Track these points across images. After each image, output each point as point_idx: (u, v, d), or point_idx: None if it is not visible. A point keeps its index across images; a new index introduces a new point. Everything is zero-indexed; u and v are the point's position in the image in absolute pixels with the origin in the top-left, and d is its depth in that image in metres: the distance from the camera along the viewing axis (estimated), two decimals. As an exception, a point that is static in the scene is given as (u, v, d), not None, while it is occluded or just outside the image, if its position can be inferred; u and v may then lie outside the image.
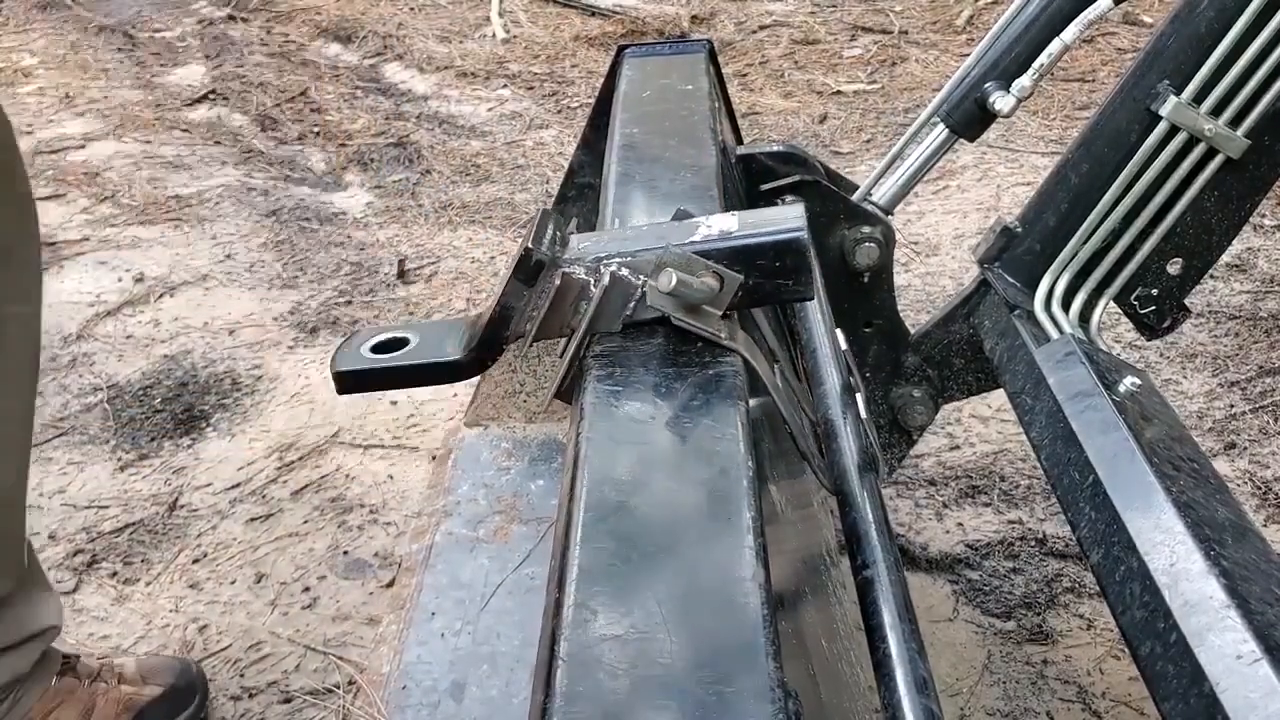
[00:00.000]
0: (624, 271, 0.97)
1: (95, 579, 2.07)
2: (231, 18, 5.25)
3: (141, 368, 2.71)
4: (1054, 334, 1.50)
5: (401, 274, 3.11)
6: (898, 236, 2.02)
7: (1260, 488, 2.19)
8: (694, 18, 4.99)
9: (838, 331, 1.37)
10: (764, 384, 1.02)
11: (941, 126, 1.66)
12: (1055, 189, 1.59)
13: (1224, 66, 1.45)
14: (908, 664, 0.89)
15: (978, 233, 3.16)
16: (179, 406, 2.56)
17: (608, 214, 1.22)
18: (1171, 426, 1.29)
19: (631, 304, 0.97)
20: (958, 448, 2.35)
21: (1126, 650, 1.15)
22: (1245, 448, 2.31)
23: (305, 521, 2.20)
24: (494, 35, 4.96)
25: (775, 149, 1.69)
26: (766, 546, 0.72)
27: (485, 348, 1.09)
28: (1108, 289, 1.58)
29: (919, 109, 3.93)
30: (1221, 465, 2.24)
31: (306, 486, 2.30)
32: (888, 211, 1.72)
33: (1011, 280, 1.61)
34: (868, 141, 3.87)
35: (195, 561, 2.11)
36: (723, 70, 1.84)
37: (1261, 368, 2.55)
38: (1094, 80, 4.15)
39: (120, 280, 3.10)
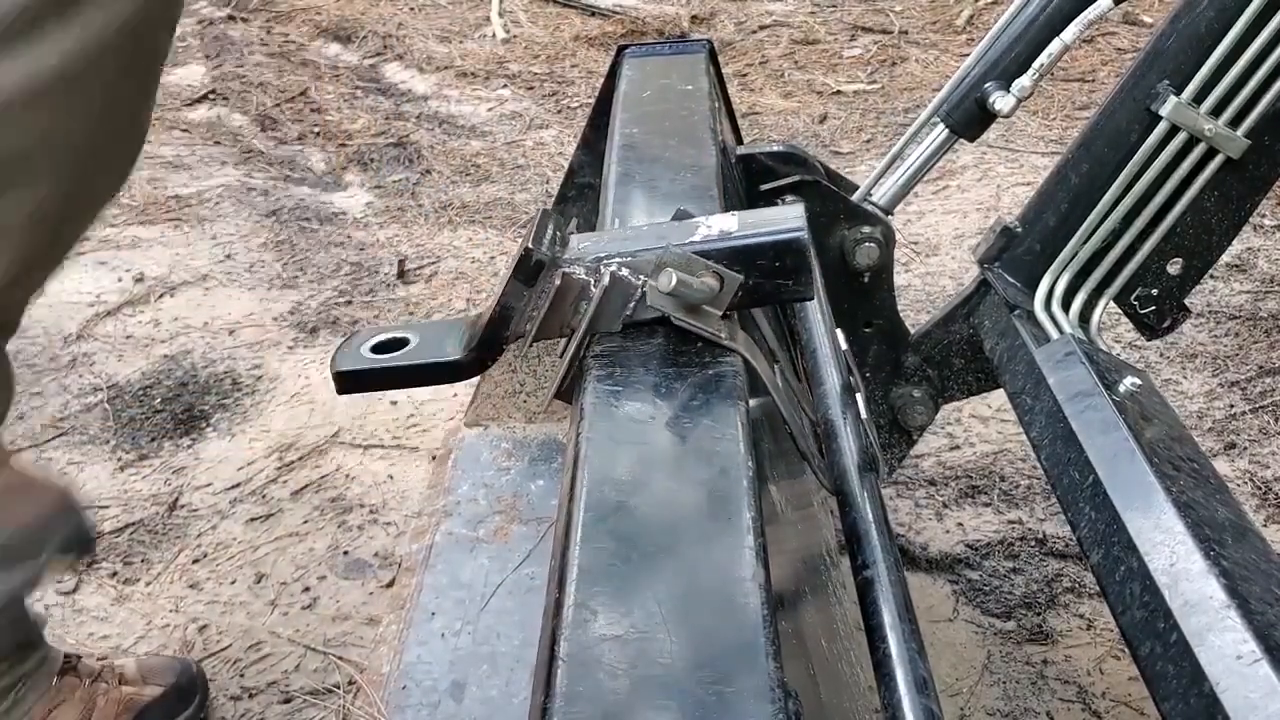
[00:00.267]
0: (624, 271, 0.97)
1: (95, 579, 2.07)
2: (231, 18, 5.25)
3: (141, 368, 2.71)
4: (1054, 334, 1.50)
5: (401, 274, 3.11)
6: (898, 236, 2.02)
7: (1260, 488, 2.19)
8: (694, 18, 4.99)
9: (838, 331, 1.37)
10: (764, 384, 1.02)
11: (941, 126, 1.66)
12: (1055, 189, 1.59)
13: (1224, 66, 1.45)
14: (908, 664, 0.89)
15: (978, 232, 3.16)
16: (179, 406, 2.56)
17: (608, 214, 1.22)
18: (1171, 426, 1.29)
19: (631, 304, 0.97)
20: (958, 448, 2.34)
21: (1126, 650, 1.15)
22: (1245, 448, 2.31)
23: (305, 521, 2.20)
24: (494, 35, 4.96)
25: (775, 149, 1.69)
26: (766, 547, 0.72)
27: (485, 348, 1.09)
28: (1108, 289, 1.58)
29: (919, 109, 3.93)
30: (1221, 465, 2.24)
31: (306, 486, 2.30)
32: (888, 211, 1.72)
33: (1011, 280, 1.61)
34: (868, 141, 3.87)
35: (195, 561, 2.11)
36: (723, 70, 1.84)
37: (1261, 368, 2.55)
38: (1094, 80, 4.15)
39: (120, 280, 3.10)
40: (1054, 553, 2.05)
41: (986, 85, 1.59)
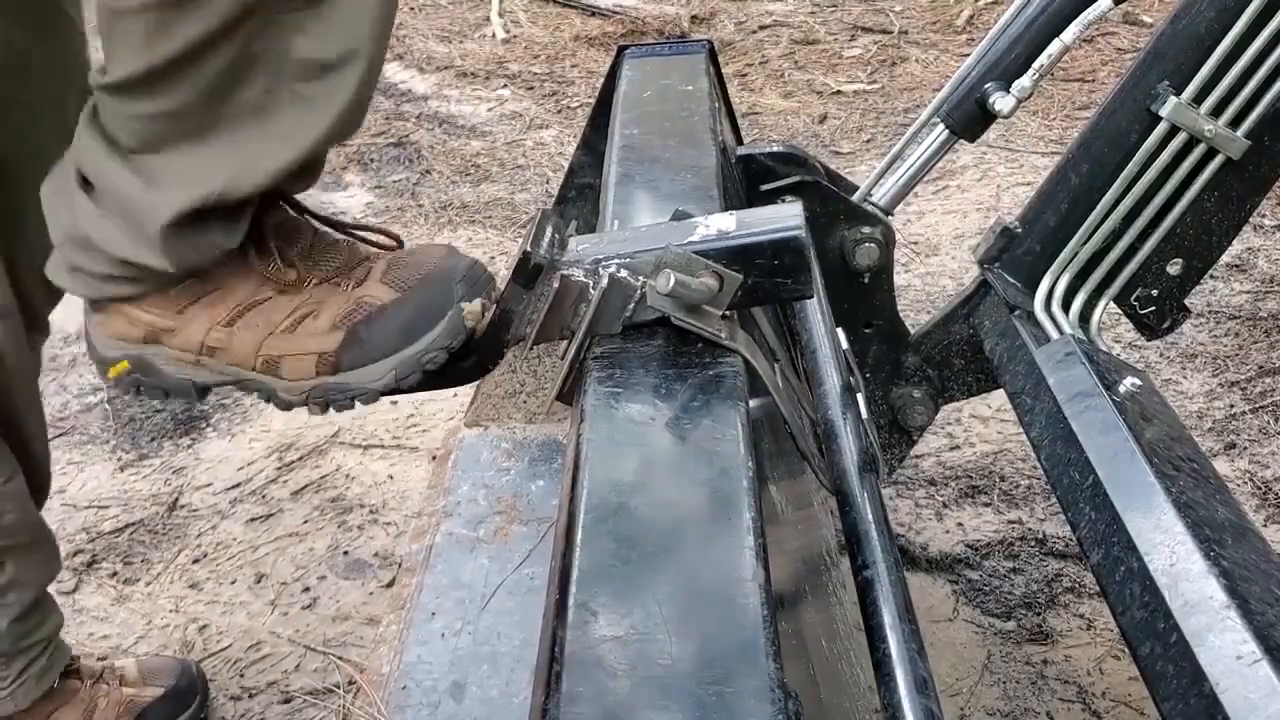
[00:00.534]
0: (622, 273, 0.98)
1: (95, 579, 2.07)
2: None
3: (141, 368, 2.70)
4: (1054, 334, 1.50)
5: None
6: (898, 237, 2.02)
7: (1260, 488, 2.19)
8: (694, 18, 4.99)
9: (838, 331, 1.37)
10: (764, 384, 1.02)
11: (941, 127, 1.66)
12: (1055, 189, 1.59)
13: (1224, 67, 1.45)
14: (908, 664, 0.89)
15: (978, 233, 3.16)
16: (179, 406, 2.56)
17: (608, 215, 1.22)
18: (1171, 427, 1.29)
19: (631, 305, 0.97)
20: (958, 448, 2.35)
21: (1126, 650, 1.15)
22: (1245, 448, 2.31)
23: (305, 521, 2.20)
24: (494, 35, 4.96)
25: (775, 149, 1.69)
26: (767, 547, 0.72)
27: (486, 352, 1.09)
28: (1108, 289, 1.58)
29: (919, 109, 3.93)
30: (1221, 465, 2.24)
31: (306, 486, 2.30)
32: (888, 212, 1.72)
33: (1012, 280, 1.62)
34: (868, 141, 3.87)
35: (195, 561, 2.12)
36: (723, 70, 1.84)
37: (1261, 368, 2.55)
38: (1094, 80, 4.15)
39: (120, 280, 3.10)
40: (1054, 553, 2.05)
41: (986, 86, 1.59)
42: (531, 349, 1.05)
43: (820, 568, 1.26)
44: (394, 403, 2.53)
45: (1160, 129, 1.49)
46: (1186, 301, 1.62)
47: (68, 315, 2.90)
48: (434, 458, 2.27)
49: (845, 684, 1.04)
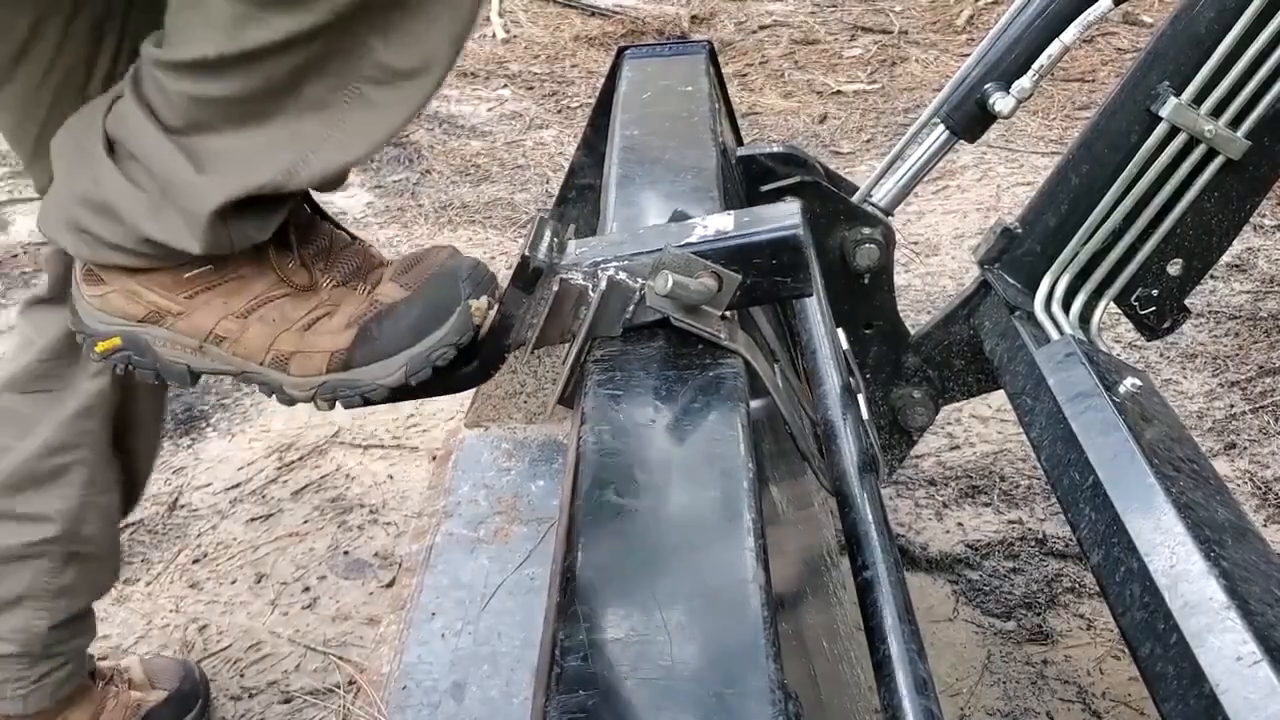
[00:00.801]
0: (621, 275, 0.98)
1: (95, 579, 2.07)
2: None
3: (142, 368, 2.70)
4: (1054, 335, 1.50)
5: (401, 274, 3.11)
6: (898, 237, 2.02)
7: (1260, 488, 2.19)
8: (694, 18, 4.99)
9: (839, 332, 1.38)
10: (765, 384, 1.02)
11: (941, 127, 1.66)
12: (1055, 190, 1.59)
13: (1224, 68, 1.45)
14: (908, 665, 0.89)
15: (978, 233, 3.16)
16: (179, 406, 2.56)
17: (608, 216, 1.22)
18: (1172, 427, 1.29)
19: (631, 307, 0.97)
20: (958, 448, 2.35)
21: (1126, 650, 1.15)
22: (1245, 448, 2.31)
23: (305, 521, 2.21)
24: (494, 35, 4.96)
25: (775, 150, 1.70)
26: (767, 548, 0.72)
27: (488, 358, 1.10)
28: (1108, 290, 1.58)
29: (919, 109, 3.93)
30: (1221, 465, 2.24)
31: (306, 486, 2.30)
32: (888, 212, 1.72)
33: (1012, 281, 1.62)
34: (868, 141, 3.87)
35: (195, 561, 2.12)
36: (723, 70, 1.84)
37: (1261, 368, 2.55)
38: (1094, 80, 4.15)
39: (120, 280, 3.10)
40: (1054, 553, 2.05)
41: (986, 86, 1.59)
42: (532, 353, 1.05)
43: (820, 568, 1.26)
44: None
45: (1160, 129, 1.49)
46: (1186, 302, 1.62)
47: (68, 315, 2.90)
48: (434, 458, 2.27)
49: (845, 684, 1.04)
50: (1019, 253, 1.61)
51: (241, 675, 1.87)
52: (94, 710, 1.60)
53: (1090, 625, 1.91)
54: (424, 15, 0.95)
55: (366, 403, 1.11)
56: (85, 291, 1.12)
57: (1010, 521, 2.14)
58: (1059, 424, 1.29)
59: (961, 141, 1.67)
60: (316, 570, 2.08)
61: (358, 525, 2.19)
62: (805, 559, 1.18)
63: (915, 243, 3.18)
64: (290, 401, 1.12)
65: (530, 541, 1.82)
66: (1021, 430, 1.44)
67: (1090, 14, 1.52)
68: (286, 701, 1.82)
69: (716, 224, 1.00)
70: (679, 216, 1.05)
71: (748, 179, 1.67)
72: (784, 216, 0.99)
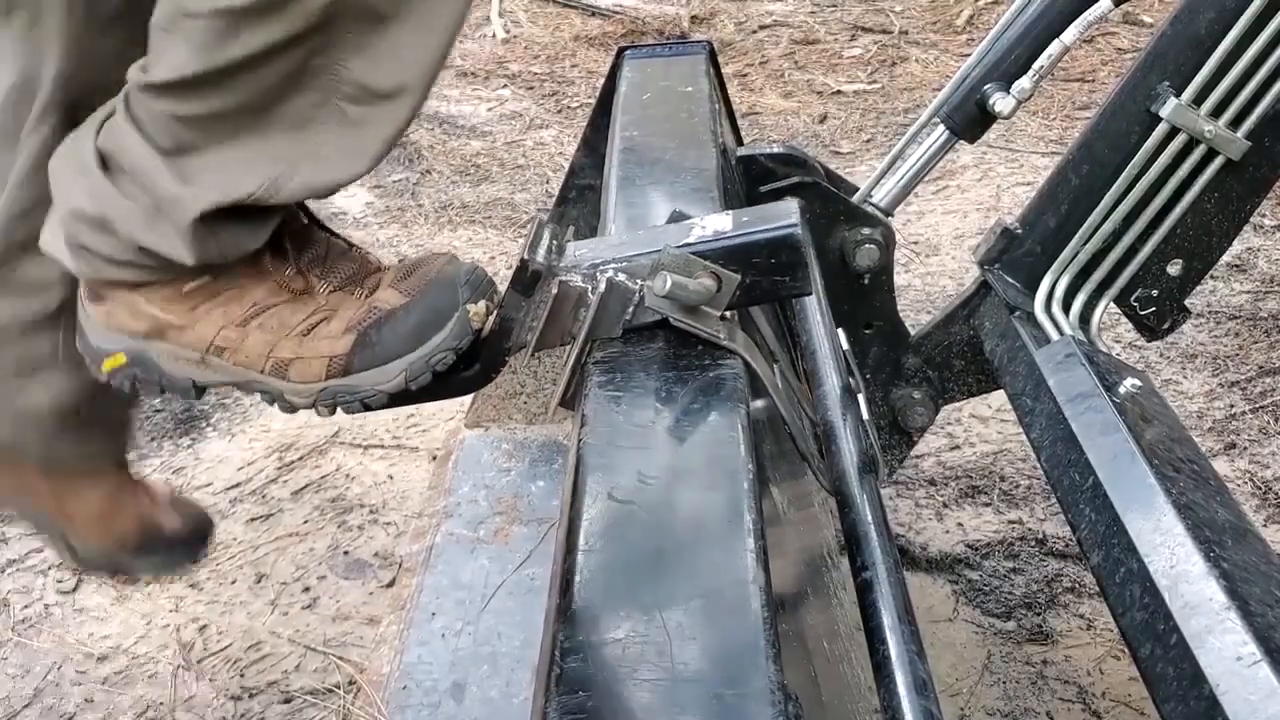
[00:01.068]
0: (620, 277, 0.98)
1: (95, 579, 2.07)
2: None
3: (142, 368, 2.70)
4: (1054, 335, 1.50)
5: (402, 274, 3.10)
6: (898, 237, 2.02)
7: (1260, 488, 2.19)
8: (694, 18, 4.99)
9: (838, 332, 1.38)
10: (764, 385, 1.02)
11: (942, 128, 1.66)
12: (1055, 190, 1.59)
13: (1224, 68, 1.45)
14: (907, 665, 0.89)
15: (978, 233, 3.16)
16: (179, 406, 2.56)
17: (609, 217, 1.22)
18: (1172, 428, 1.29)
19: (630, 309, 0.97)
20: (958, 448, 2.35)
21: (1126, 651, 1.15)
22: (1245, 448, 2.31)
23: (305, 521, 2.21)
24: (494, 35, 4.96)
25: (775, 150, 1.70)
26: (767, 549, 0.72)
27: (488, 361, 1.10)
28: (1108, 290, 1.58)
29: (919, 109, 3.93)
30: (1221, 465, 2.24)
31: (306, 486, 2.30)
32: (888, 213, 1.72)
33: (1012, 281, 1.62)
34: (868, 141, 3.87)
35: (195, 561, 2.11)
36: (723, 70, 1.84)
37: (1261, 368, 2.55)
38: (1094, 80, 4.15)
39: (120, 280, 3.09)
40: (1054, 553, 2.05)
41: (986, 86, 1.59)
42: (532, 355, 1.06)
43: (820, 569, 1.26)
44: (394, 403, 2.53)
45: (1160, 130, 1.49)
46: (1186, 302, 1.62)
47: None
48: (434, 458, 2.27)
49: (845, 685, 1.04)
50: (1019, 253, 1.61)
51: (241, 675, 1.87)
52: (108, 495, 1.49)
53: (1090, 625, 1.91)
54: (400, 35, 0.97)
55: (366, 409, 1.11)
56: (90, 310, 1.13)
57: (1010, 521, 2.14)
58: (1059, 424, 1.29)
59: (961, 142, 1.67)
60: (316, 570, 2.08)
61: (358, 525, 2.19)
62: (805, 559, 1.18)
63: (915, 243, 3.18)
64: (291, 409, 1.13)
65: (530, 542, 1.82)
66: (1021, 430, 1.44)
67: (1090, 14, 1.52)
68: (286, 701, 1.82)
69: (715, 224, 1.00)
70: (678, 217, 1.05)
71: (748, 179, 1.67)
72: (783, 215, 0.99)
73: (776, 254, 0.97)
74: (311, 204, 1.18)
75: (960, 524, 2.14)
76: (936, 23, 4.84)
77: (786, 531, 1.08)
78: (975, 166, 3.61)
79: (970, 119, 1.63)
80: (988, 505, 2.18)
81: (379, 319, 1.09)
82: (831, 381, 1.30)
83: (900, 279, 2.83)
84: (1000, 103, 1.57)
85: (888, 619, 0.94)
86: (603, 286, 0.97)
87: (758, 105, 4.17)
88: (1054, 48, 1.54)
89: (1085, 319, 1.57)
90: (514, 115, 4.23)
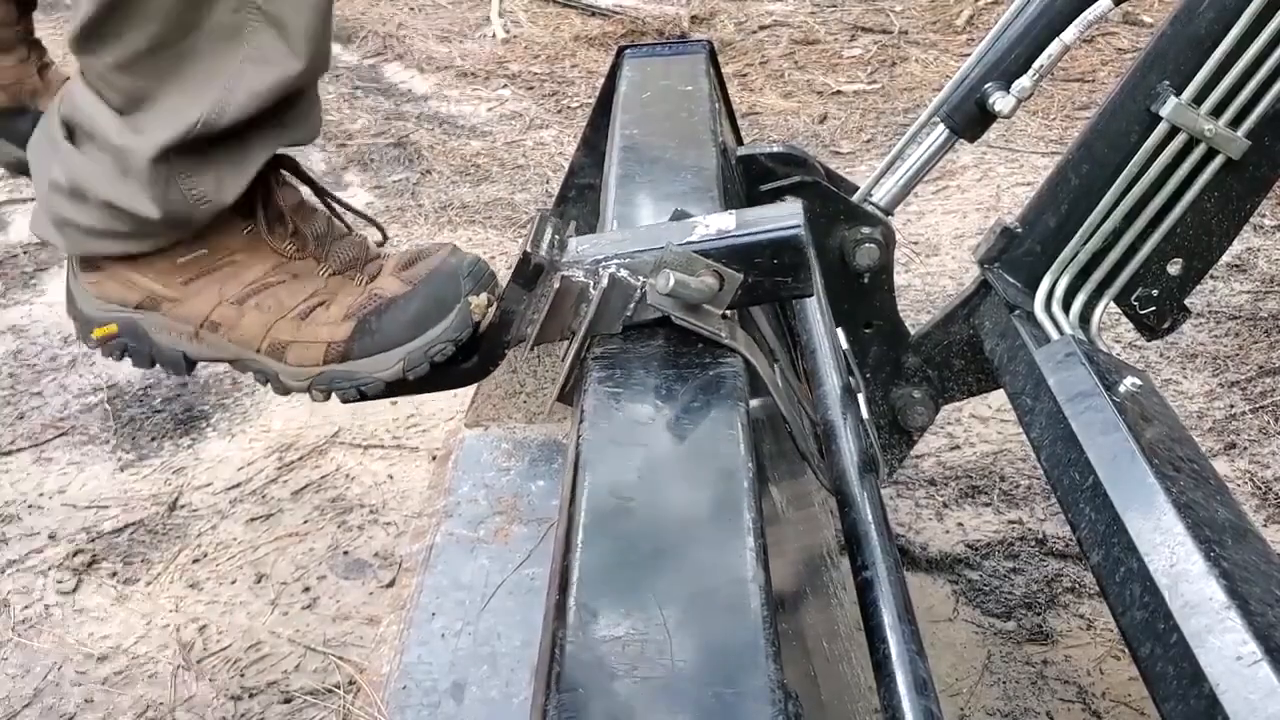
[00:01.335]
0: (623, 273, 0.97)
1: (95, 579, 2.07)
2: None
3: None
4: (1054, 335, 1.50)
5: (401, 274, 3.10)
6: (898, 237, 2.02)
7: (1260, 488, 2.19)
8: (694, 18, 4.99)
9: (838, 332, 1.37)
10: (764, 384, 1.02)
11: (942, 127, 1.66)
12: (1055, 189, 1.59)
13: (1224, 67, 1.45)
14: (907, 665, 0.89)
15: (978, 233, 3.16)
16: (179, 406, 2.56)
17: (608, 216, 1.22)
18: (1172, 427, 1.29)
19: (631, 305, 0.97)
20: (958, 447, 2.35)
21: (1126, 650, 1.15)
22: (1245, 448, 2.31)
23: (305, 521, 2.21)
24: (494, 35, 4.96)
25: (775, 150, 1.69)
26: (767, 548, 0.72)
27: (486, 354, 1.10)
28: (1108, 289, 1.58)
29: (919, 109, 3.93)
30: (1221, 465, 2.24)
31: (306, 486, 2.30)
32: (888, 212, 1.72)
33: (1012, 281, 1.61)
34: (868, 141, 3.87)
35: (195, 561, 2.12)
36: (723, 70, 1.84)
37: (1261, 368, 2.55)
38: (1094, 80, 4.15)
39: (120, 280, 3.09)
40: (1054, 553, 2.05)
41: (987, 86, 1.59)
42: (532, 349, 1.05)
43: (820, 568, 1.26)
44: (394, 403, 2.53)
45: (1160, 129, 1.49)
46: (1186, 302, 1.62)
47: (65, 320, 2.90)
48: (434, 458, 2.27)
49: (845, 684, 1.04)
50: (1019, 252, 1.61)
51: (241, 675, 1.87)
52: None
53: (1090, 625, 1.91)
54: None
55: (362, 396, 1.11)
56: (82, 278, 1.13)
57: (1010, 521, 2.14)
58: (1059, 424, 1.29)
59: (961, 141, 1.67)
60: (316, 570, 2.08)
61: (358, 525, 2.19)
62: (805, 559, 1.18)
63: (915, 243, 3.18)
64: (285, 391, 1.12)
65: (530, 541, 1.82)
66: (1021, 430, 1.44)
67: (1090, 14, 1.52)
68: (286, 701, 1.82)
69: (718, 223, 1.00)
70: (679, 216, 1.05)
71: (748, 179, 1.67)
72: (786, 216, 0.99)
73: (779, 255, 0.97)
74: (318, 182, 1.17)
75: (960, 524, 2.14)
76: (936, 23, 4.84)
77: (786, 530, 1.08)
78: (975, 166, 3.61)
79: (970, 118, 1.63)
80: (988, 505, 2.18)
81: (379, 306, 1.09)
82: (831, 381, 1.29)
83: (900, 279, 2.83)
84: (1000, 102, 1.57)
85: (888, 618, 0.94)
86: (605, 282, 0.97)
87: (758, 105, 4.17)
88: (1054, 47, 1.54)
89: (1085, 318, 1.57)
90: (514, 115, 4.23)
